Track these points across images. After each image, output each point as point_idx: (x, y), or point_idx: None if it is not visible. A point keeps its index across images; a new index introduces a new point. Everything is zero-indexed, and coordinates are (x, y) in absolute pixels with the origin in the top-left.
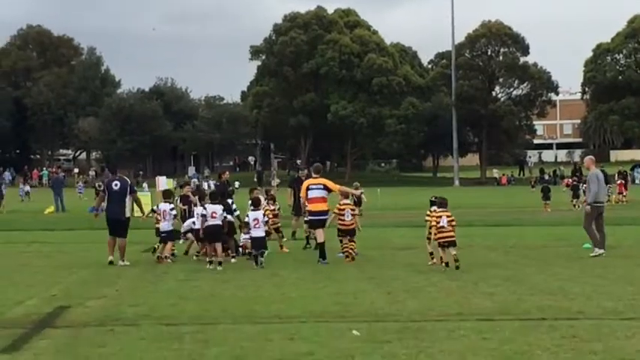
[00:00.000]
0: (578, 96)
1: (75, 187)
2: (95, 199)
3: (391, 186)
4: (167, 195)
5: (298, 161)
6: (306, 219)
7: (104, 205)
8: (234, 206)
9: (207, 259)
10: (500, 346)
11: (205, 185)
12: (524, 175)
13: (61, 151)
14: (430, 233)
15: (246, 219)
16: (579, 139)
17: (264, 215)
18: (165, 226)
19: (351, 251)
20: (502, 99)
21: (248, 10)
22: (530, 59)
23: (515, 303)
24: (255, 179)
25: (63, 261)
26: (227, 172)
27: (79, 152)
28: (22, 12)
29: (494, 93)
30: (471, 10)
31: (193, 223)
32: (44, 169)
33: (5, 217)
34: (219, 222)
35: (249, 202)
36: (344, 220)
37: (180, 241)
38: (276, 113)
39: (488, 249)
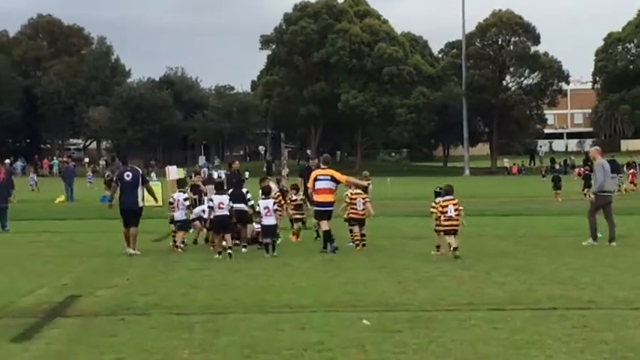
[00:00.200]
0: (589, 85)
1: (85, 176)
2: (105, 189)
3: (401, 175)
4: (181, 184)
5: (308, 151)
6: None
7: (117, 195)
8: (248, 195)
9: (217, 250)
10: (511, 335)
11: (215, 174)
12: (534, 164)
13: (72, 140)
14: (437, 225)
15: (257, 208)
16: (590, 129)
17: (274, 204)
18: (179, 215)
19: (361, 240)
20: (513, 88)
21: None
22: (540, 49)
23: (526, 293)
24: (265, 169)
25: (74, 250)
26: (237, 162)
27: (89, 142)
28: (33, 1)
29: (504, 82)
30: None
31: (203, 211)
32: (54, 158)
33: (16, 207)
34: (227, 212)
35: (260, 191)
36: (356, 209)
37: (191, 230)
38: (286, 103)
39: (499, 238)
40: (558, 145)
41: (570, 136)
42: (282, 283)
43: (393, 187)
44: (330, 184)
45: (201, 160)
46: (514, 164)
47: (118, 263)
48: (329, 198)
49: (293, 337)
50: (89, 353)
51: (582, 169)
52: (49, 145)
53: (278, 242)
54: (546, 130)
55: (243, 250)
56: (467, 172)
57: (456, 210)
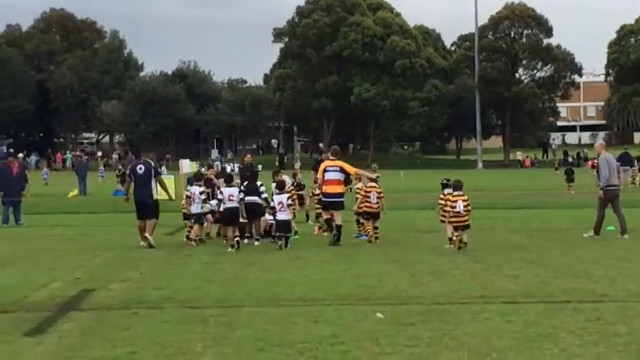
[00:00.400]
0: (602, 78)
1: (97, 170)
2: (117, 183)
3: (414, 168)
4: (198, 178)
5: (321, 144)
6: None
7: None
8: (262, 188)
9: (229, 243)
10: (524, 328)
11: (229, 168)
12: (547, 157)
13: (85, 134)
14: (444, 216)
15: (272, 203)
16: (603, 121)
17: (288, 198)
18: (195, 208)
19: (373, 233)
20: (525, 81)
21: None
22: (553, 41)
23: (539, 286)
24: (277, 163)
25: (87, 244)
26: (249, 155)
27: (102, 135)
28: None
29: (517, 75)
30: None
31: (216, 204)
32: (67, 152)
33: (29, 201)
34: (237, 205)
35: (274, 185)
36: (370, 203)
37: (205, 224)
38: (298, 96)
39: (512, 231)
40: (571, 137)
41: (583, 128)
42: (295, 276)
43: (406, 180)
44: (339, 175)
45: (214, 153)
46: (527, 157)
47: (131, 257)
48: (338, 189)
49: (306, 330)
50: (102, 347)
51: (596, 161)
52: (62, 139)
53: (296, 237)
54: (559, 123)
55: (256, 243)
56: (480, 165)
57: (465, 206)
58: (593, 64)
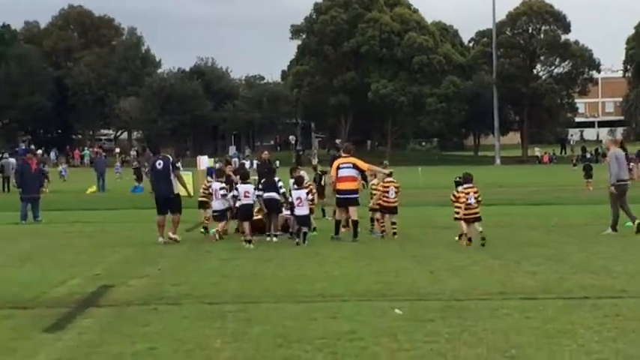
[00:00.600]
0: (620, 74)
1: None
2: (135, 179)
3: (432, 165)
4: (219, 174)
5: (338, 140)
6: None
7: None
8: (280, 184)
9: (245, 239)
10: (543, 324)
11: (247, 164)
12: (565, 153)
13: (102, 131)
14: (457, 212)
15: (290, 198)
16: (621, 117)
17: (307, 193)
18: (217, 204)
19: (392, 229)
20: (543, 77)
21: None
22: (571, 37)
23: (557, 282)
24: (294, 159)
25: (105, 240)
26: (266, 152)
27: (120, 132)
28: None
29: (535, 71)
30: None
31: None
32: (85, 149)
33: (48, 197)
34: (252, 201)
35: (292, 180)
36: (388, 198)
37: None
38: (316, 92)
39: (530, 228)
40: (589, 133)
41: (601, 124)
42: (314, 272)
43: (424, 176)
44: (352, 172)
45: (232, 150)
46: (545, 153)
47: (149, 253)
48: (351, 186)
49: (325, 326)
50: (121, 343)
51: None
52: (80, 136)
53: (314, 234)
54: (577, 119)
55: (274, 239)
56: (498, 161)
57: (476, 198)
58: (612, 60)
